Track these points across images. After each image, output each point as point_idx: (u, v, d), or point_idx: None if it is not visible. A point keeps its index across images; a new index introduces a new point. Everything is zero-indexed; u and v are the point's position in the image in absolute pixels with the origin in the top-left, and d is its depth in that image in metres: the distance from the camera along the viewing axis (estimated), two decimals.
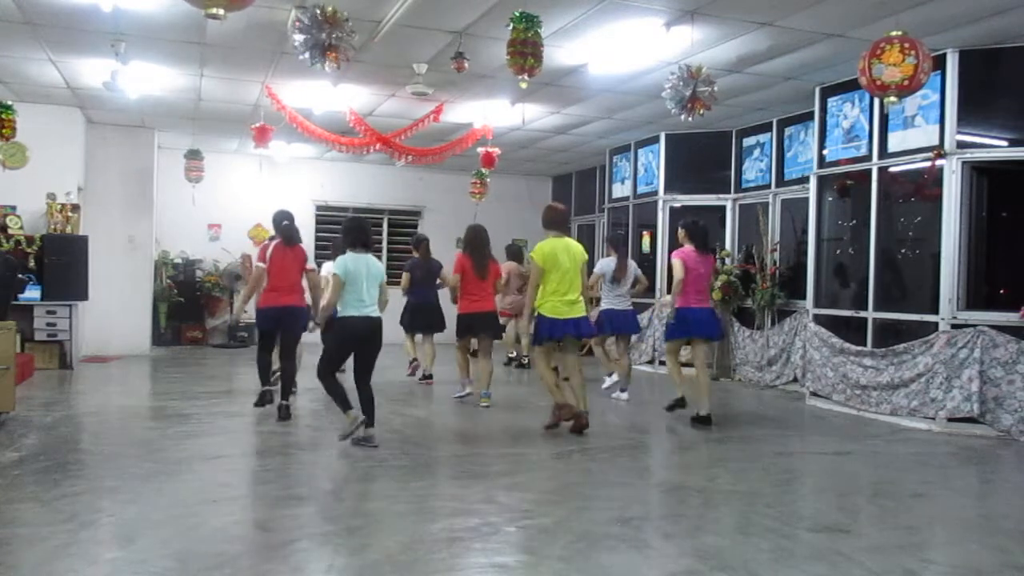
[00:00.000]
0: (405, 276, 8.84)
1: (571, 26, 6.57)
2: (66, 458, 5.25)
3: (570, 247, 6.36)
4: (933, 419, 6.86)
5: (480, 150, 10.12)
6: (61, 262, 9.55)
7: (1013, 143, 6.90)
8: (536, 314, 6.35)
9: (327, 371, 5.76)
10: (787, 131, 9.51)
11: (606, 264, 8.22)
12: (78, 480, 4.73)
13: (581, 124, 10.53)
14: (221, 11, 4.50)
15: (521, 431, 6.52)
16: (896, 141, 7.38)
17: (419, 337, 9.16)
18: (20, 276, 8.78)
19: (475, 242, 7.77)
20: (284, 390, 6.80)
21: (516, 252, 10.28)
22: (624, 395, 8.11)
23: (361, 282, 5.69)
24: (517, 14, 5.69)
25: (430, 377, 8.92)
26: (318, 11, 5.63)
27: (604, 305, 8.18)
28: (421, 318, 8.87)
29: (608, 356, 8.69)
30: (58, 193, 9.84)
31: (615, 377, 8.33)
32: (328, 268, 9.89)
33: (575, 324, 6.32)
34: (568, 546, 3.74)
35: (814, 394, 8.14)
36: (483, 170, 11.07)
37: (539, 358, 6.60)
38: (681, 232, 7.13)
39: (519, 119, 10.04)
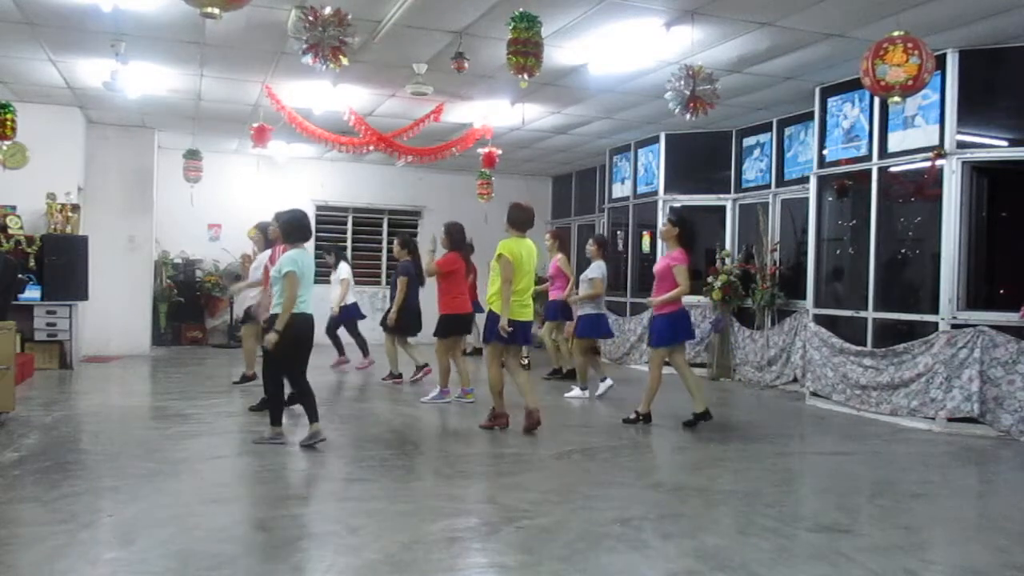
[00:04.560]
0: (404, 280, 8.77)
1: (571, 26, 6.57)
2: (66, 458, 5.24)
3: (532, 250, 6.41)
4: (933, 419, 6.85)
5: (481, 150, 10.12)
6: (61, 262, 9.54)
7: (1013, 143, 6.90)
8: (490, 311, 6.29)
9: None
10: (787, 131, 9.51)
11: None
12: (78, 480, 4.72)
13: (581, 124, 10.52)
14: (216, 10, 4.50)
15: (520, 431, 6.51)
16: (896, 141, 7.37)
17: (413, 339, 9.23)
18: (20, 276, 8.78)
19: (463, 240, 7.98)
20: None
21: None
22: (585, 393, 8.26)
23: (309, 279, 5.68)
24: (517, 14, 5.70)
25: (399, 376, 9.05)
26: (309, 10, 5.62)
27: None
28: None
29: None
30: (58, 193, 9.83)
31: (609, 382, 8.41)
32: (345, 269, 9.97)
33: (526, 330, 6.41)
34: (568, 546, 3.74)
35: (814, 394, 8.14)
36: (485, 171, 11.06)
37: (493, 359, 6.41)
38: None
39: (519, 119, 10.03)
